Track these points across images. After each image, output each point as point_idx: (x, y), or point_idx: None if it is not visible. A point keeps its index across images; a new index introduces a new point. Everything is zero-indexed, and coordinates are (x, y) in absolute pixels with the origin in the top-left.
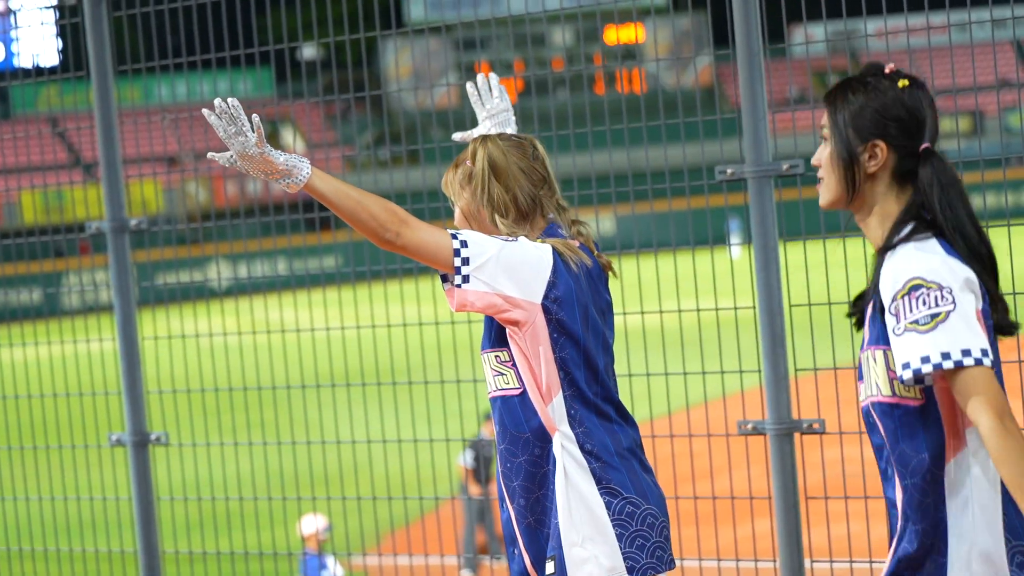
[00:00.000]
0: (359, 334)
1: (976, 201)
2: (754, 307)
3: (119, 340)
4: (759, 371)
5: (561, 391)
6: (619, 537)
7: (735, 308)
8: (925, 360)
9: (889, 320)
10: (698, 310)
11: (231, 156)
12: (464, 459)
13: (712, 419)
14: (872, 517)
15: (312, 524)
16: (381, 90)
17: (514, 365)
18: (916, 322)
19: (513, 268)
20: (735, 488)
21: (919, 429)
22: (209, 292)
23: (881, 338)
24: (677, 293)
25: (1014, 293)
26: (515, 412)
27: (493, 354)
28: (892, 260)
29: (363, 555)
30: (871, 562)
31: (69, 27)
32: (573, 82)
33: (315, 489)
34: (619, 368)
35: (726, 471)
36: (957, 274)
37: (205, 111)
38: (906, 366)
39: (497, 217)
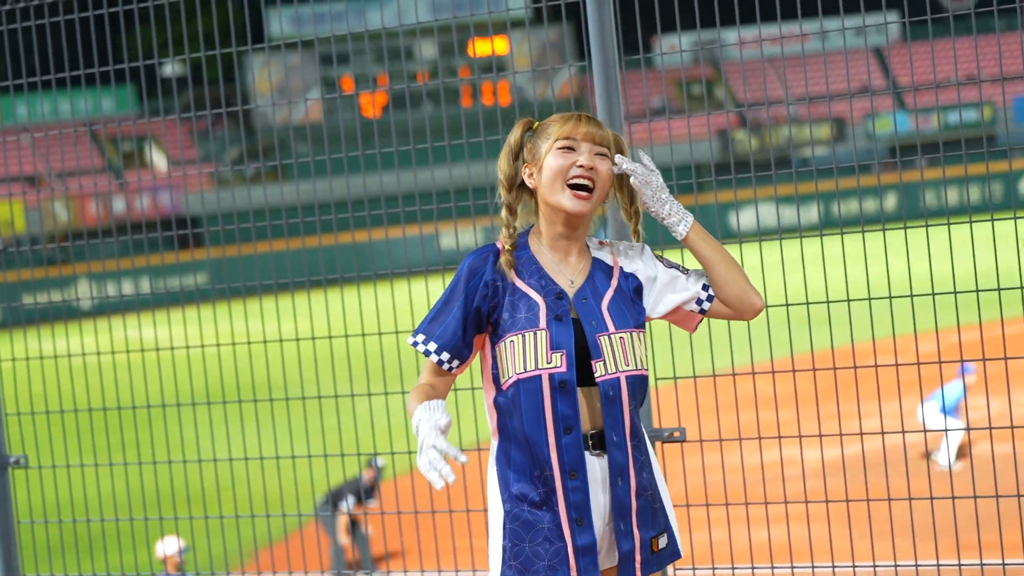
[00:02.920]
0: (220, 351)
1: (848, 206)
2: None
3: None
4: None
5: None
6: None
7: None
8: None
9: None
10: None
11: None
12: (347, 504)
13: None
14: (734, 523)
15: (169, 546)
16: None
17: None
18: None
19: None
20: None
21: None
22: (74, 312)
23: None
24: None
25: (890, 297)
26: (645, 391)
27: (638, 334)
28: None
29: (227, 574)
30: (733, 568)
31: None
32: (438, 95)
33: (180, 509)
34: (479, 380)
35: None
36: None
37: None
38: None
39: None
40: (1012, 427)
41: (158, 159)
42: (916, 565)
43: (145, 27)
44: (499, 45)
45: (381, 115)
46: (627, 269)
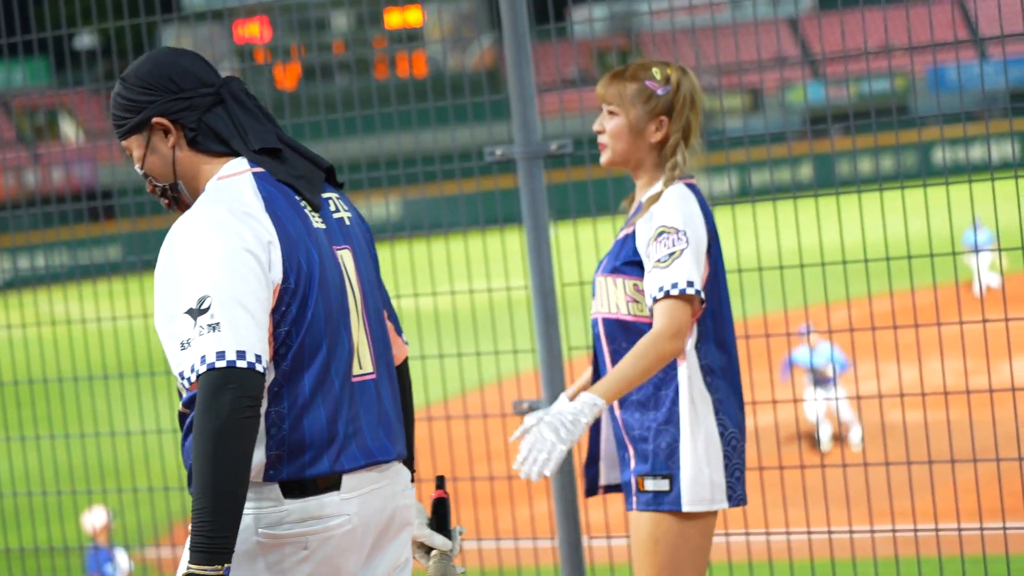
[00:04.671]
0: (137, 324)
1: (763, 176)
2: (526, 287)
3: None
4: (533, 351)
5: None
6: (726, 467)
7: (507, 289)
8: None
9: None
10: (471, 292)
11: None
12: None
13: (489, 401)
14: None
15: (97, 517)
16: None
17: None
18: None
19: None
20: (513, 469)
21: None
22: None
23: None
24: (450, 275)
25: (801, 265)
26: (626, 335)
27: (631, 282)
28: None
29: (156, 546)
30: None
31: None
32: (354, 66)
33: (102, 482)
34: None
35: (503, 453)
36: None
37: None
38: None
39: (682, 144)
40: (923, 394)
41: (72, 131)
42: (829, 532)
43: None
44: (413, 16)
45: (296, 87)
46: (644, 218)
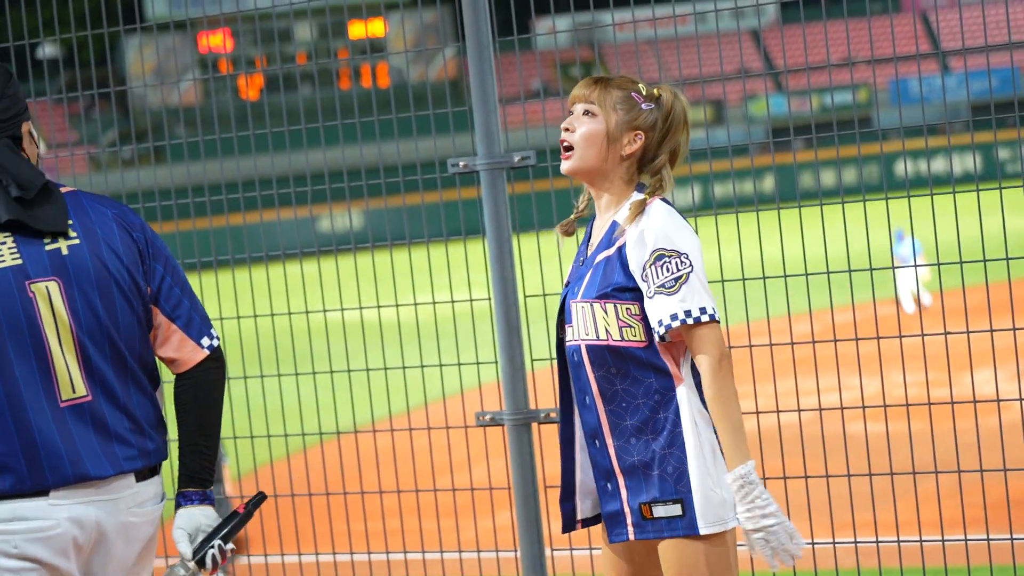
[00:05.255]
0: None
1: (726, 188)
2: (489, 299)
3: None
4: (495, 362)
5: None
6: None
7: (471, 300)
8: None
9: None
10: (434, 303)
11: None
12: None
13: (451, 412)
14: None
15: None
16: (124, 87)
17: (644, 320)
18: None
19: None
20: (475, 481)
21: None
22: None
23: None
24: (413, 287)
25: (764, 277)
26: (640, 360)
27: (623, 306)
28: None
29: None
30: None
31: None
32: (317, 77)
33: None
34: (355, 363)
35: (466, 464)
36: None
37: None
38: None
39: (667, 165)
40: (884, 406)
41: (36, 141)
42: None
43: (16, 8)
44: (377, 27)
45: (259, 97)
46: (630, 238)
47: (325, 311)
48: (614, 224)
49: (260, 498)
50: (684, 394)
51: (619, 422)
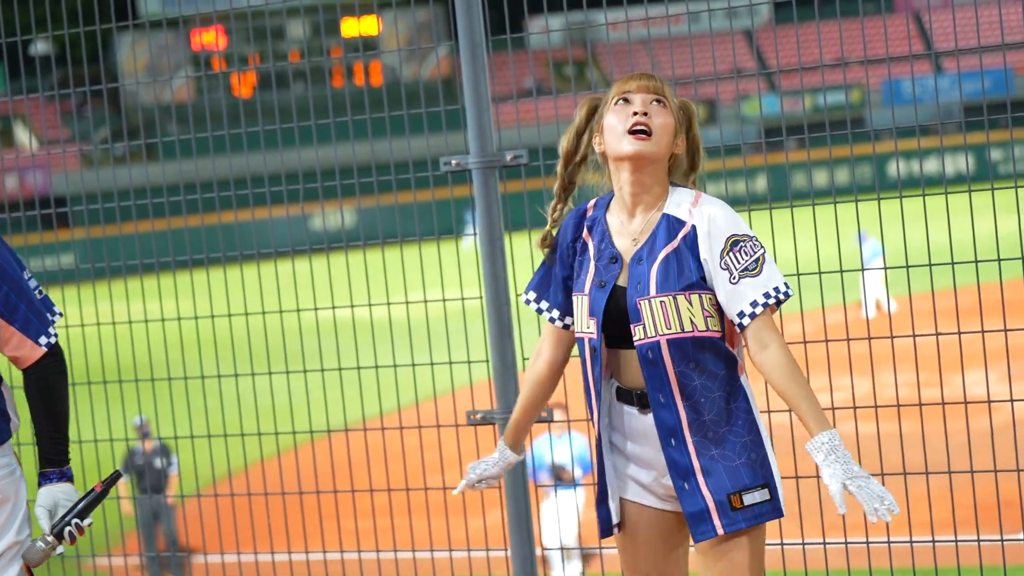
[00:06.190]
0: (90, 331)
1: (718, 188)
2: (481, 297)
3: None
4: (487, 361)
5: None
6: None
7: (462, 299)
8: None
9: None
10: (425, 301)
11: None
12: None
13: (442, 411)
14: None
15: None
16: (117, 84)
17: (719, 310)
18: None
19: None
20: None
21: None
22: None
23: None
24: (404, 285)
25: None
26: (718, 350)
27: (707, 296)
28: None
29: (107, 556)
30: (601, 549)
31: None
32: (310, 75)
33: None
34: (346, 362)
35: (457, 463)
36: None
37: None
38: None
39: (695, 170)
40: (875, 407)
41: (27, 138)
42: (782, 544)
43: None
44: (370, 25)
45: (252, 95)
46: (700, 229)
47: (316, 309)
48: (667, 217)
49: (115, 476)
50: (746, 381)
51: (698, 417)
